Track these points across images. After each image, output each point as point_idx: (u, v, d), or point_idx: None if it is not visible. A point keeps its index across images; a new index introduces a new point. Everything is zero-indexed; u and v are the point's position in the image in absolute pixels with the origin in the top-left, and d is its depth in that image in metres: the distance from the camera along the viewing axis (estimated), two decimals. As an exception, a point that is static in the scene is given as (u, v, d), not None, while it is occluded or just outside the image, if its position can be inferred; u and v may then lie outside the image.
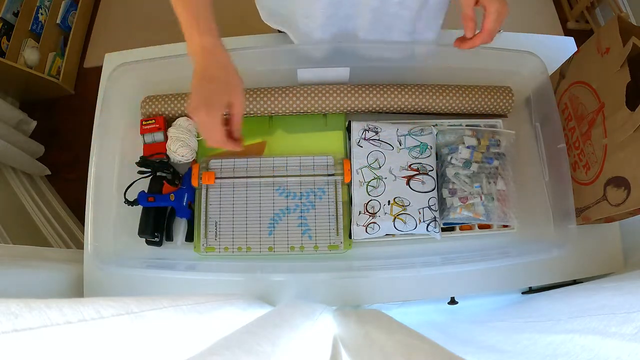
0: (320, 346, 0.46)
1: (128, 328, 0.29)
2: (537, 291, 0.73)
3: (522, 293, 0.75)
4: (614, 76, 0.59)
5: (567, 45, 0.83)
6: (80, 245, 1.39)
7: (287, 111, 0.74)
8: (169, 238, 0.72)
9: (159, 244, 0.71)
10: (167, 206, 0.73)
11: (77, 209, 1.55)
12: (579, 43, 0.74)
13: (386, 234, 0.69)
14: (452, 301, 0.74)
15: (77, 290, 0.73)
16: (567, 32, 1.72)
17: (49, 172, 1.57)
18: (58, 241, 1.38)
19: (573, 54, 0.72)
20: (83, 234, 0.74)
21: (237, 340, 0.29)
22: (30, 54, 1.52)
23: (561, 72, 0.75)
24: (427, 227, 0.68)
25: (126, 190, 0.71)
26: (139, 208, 0.72)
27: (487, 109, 0.75)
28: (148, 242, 0.72)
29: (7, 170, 1.42)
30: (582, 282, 0.69)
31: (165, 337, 0.34)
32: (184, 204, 0.71)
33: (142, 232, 0.70)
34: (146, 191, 0.72)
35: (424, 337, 0.32)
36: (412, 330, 0.35)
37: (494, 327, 0.58)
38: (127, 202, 0.70)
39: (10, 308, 0.22)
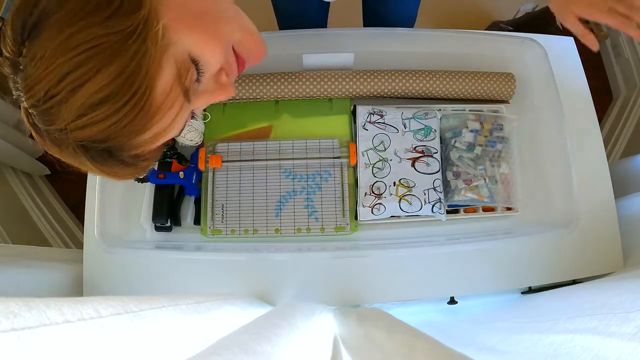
0: (320, 346, 0.46)
1: (127, 327, 0.29)
2: (537, 291, 0.73)
3: (522, 293, 0.75)
4: None
5: (567, 45, 0.83)
6: (80, 245, 1.39)
7: (293, 96, 0.75)
8: (177, 223, 0.72)
9: (169, 229, 0.72)
10: (175, 186, 0.73)
11: (77, 209, 1.55)
12: (578, 43, 0.75)
13: (392, 215, 0.70)
14: (452, 301, 0.74)
15: (77, 290, 0.73)
16: (567, 32, 1.72)
17: (48, 172, 1.56)
18: (58, 241, 1.37)
19: None
20: (83, 233, 0.74)
21: (237, 340, 0.29)
22: (30, 54, 1.51)
23: None
24: (432, 208, 0.68)
25: None
26: (145, 193, 0.72)
27: (490, 95, 0.76)
28: (158, 229, 0.72)
29: (7, 170, 1.42)
30: (582, 282, 0.69)
31: (164, 337, 0.34)
32: (193, 181, 0.71)
33: (156, 217, 0.70)
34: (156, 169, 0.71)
35: (425, 336, 0.32)
36: (413, 328, 0.35)
37: (494, 327, 0.58)
38: (137, 179, 0.70)
39: (9, 307, 0.22)
